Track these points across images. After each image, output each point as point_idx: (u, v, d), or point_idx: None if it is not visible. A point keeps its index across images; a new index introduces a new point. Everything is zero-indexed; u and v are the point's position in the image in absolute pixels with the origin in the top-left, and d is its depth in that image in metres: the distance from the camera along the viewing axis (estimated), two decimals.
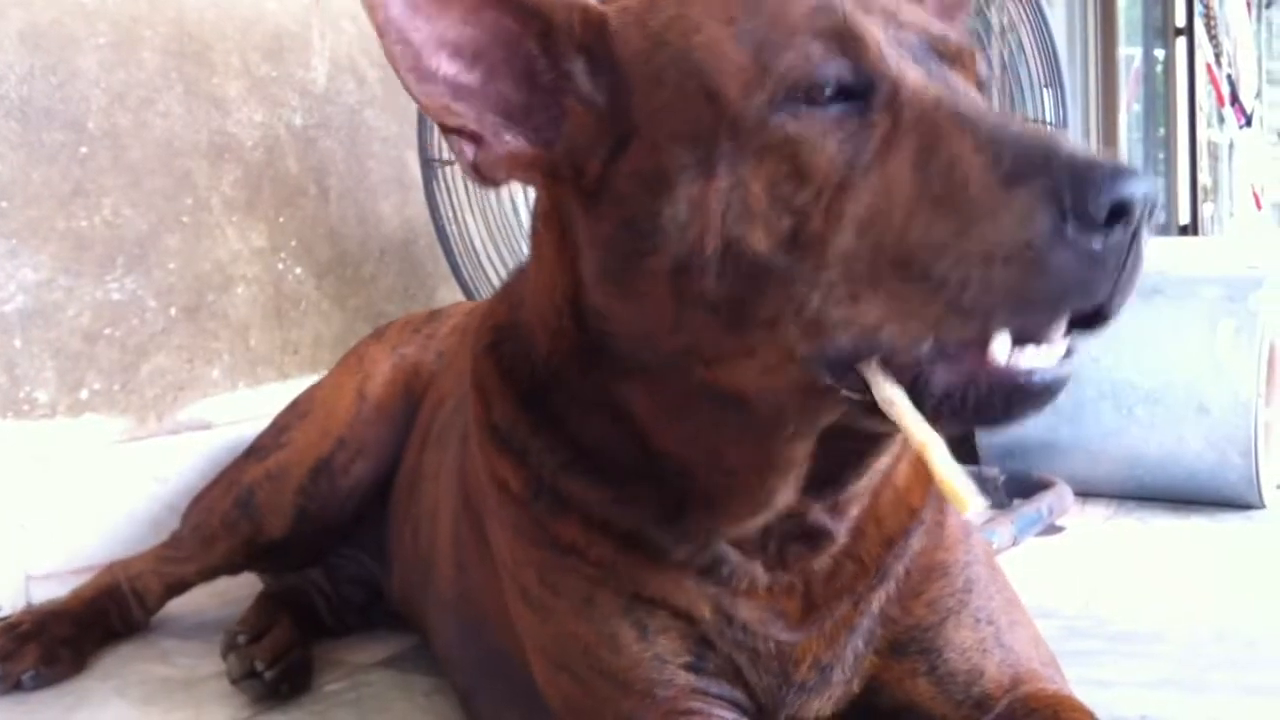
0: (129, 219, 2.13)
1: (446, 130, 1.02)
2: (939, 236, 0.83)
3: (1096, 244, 0.81)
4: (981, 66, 0.99)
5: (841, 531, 1.09)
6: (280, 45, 2.39)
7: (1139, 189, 0.81)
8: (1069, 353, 0.87)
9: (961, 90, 0.91)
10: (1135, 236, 0.82)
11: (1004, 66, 2.20)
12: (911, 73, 0.91)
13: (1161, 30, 8.06)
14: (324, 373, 1.87)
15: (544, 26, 1.00)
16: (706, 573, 1.07)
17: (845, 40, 0.90)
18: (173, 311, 2.20)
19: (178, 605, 1.85)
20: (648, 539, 1.07)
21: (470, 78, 1.01)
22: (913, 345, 0.85)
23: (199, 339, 2.25)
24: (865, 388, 0.88)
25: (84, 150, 2.06)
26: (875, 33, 0.91)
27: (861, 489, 1.08)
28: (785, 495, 1.03)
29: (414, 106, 1.79)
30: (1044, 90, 2.19)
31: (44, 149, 2.00)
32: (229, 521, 1.72)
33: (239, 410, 2.30)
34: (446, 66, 1.00)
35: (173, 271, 2.20)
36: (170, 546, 1.80)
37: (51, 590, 1.91)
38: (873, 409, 0.88)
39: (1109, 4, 6.77)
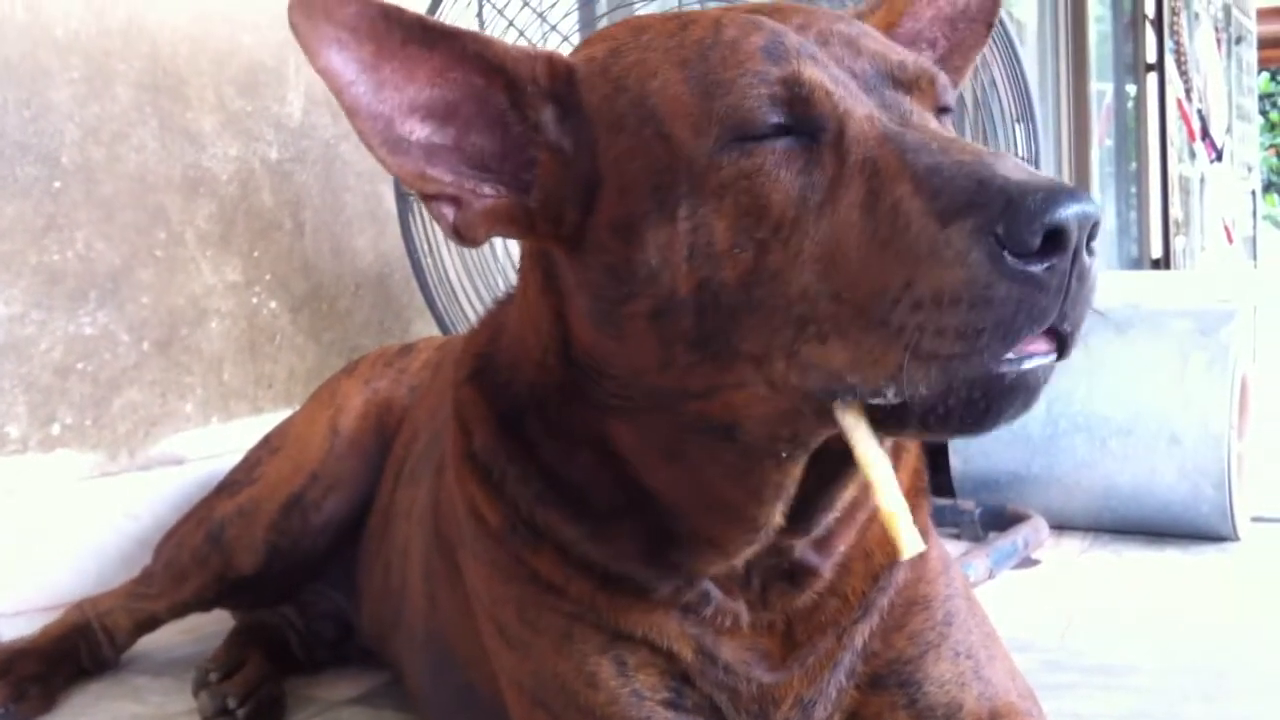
0: (102, 253, 2.12)
1: (425, 197, 1.03)
2: (890, 283, 0.84)
3: (1035, 270, 0.81)
4: (943, 90, 0.98)
5: (827, 567, 1.09)
6: (255, 79, 2.39)
7: (1072, 211, 0.80)
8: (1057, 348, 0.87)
9: (914, 119, 0.92)
10: (1076, 256, 0.82)
11: (977, 102, 2.22)
12: (859, 109, 0.91)
13: (1133, 66, 8.14)
14: (298, 407, 1.86)
15: (510, 79, 1.01)
16: (689, 611, 1.07)
17: (788, 80, 0.91)
18: (145, 346, 2.19)
19: (149, 642, 1.83)
20: (628, 577, 1.07)
21: (444, 137, 1.02)
22: (880, 391, 0.86)
23: (172, 373, 2.24)
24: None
25: (57, 184, 2.05)
26: (818, 71, 0.92)
27: (841, 520, 1.08)
28: (771, 526, 1.02)
29: None
30: (1016, 125, 2.20)
31: (17, 183, 2.00)
32: (200, 557, 1.71)
33: (212, 445, 2.28)
34: (419, 131, 1.01)
35: (146, 306, 2.19)
36: (141, 583, 1.78)
37: (21, 628, 1.89)
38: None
39: (1080, 40, 6.84)
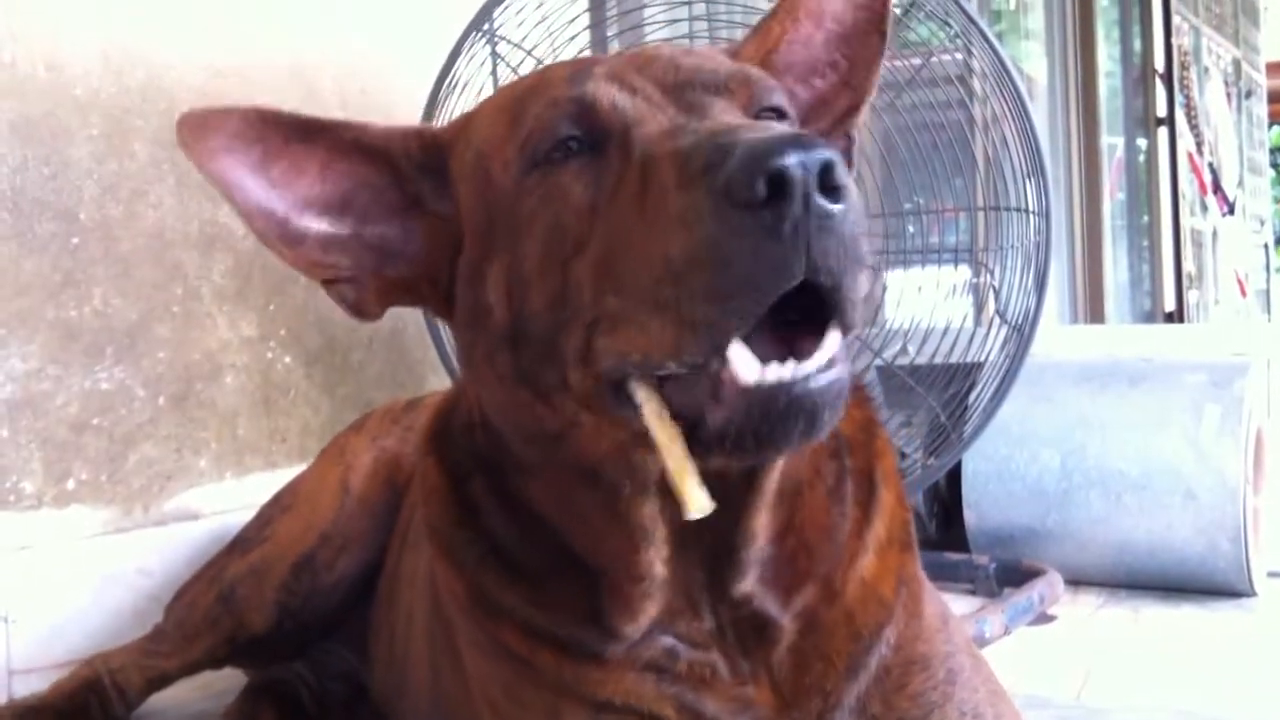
0: (119, 309, 2.13)
1: (325, 284, 1.08)
2: (656, 261, 0.85)
3: (766, 221, 0.81)
4: (763, 90, 0.99)
5: (787, 620, 1.06)
6: None
7: (791, 156, 0.80)
8: (832, 363, 0.86)
9: (711, 113, 0.93)
10: (810, 202, 0.81)
11: (988, 158, 2.23)
12: (649, 113, 0.93)
13: (1143, 120, 8.17)
14: (312, 462, 1.87)
15: (389, 158, 1.07)
16: (660, 669, 1.05)
17: (578, 98, 0.95)
18: (161, 401, 2.20)
19: (161, 698, 1.82)
20: (580, 642, 1.05)
21: (341, 227, 1.07)
22: (663, 365, 0.86)
23: (187, 428, 2.25)
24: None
25: (75, 241, 2.07)
26: (610, 87, 0.95)
27: (787, 569, 1.06)
28: (657, 576, 1.01)
29: None
30: (1027, 180, 2.22)
31: (35, 239, 2.01)
32: (211, 617, 1.70)
33: (226, 500, 2.29)
34: (315, 225, 1.06)
35: (162, 361, 2.20)
36: (152, 640, 1.77)
37: (33, 684, 1.89)
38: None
39: (1090, 95, 6.87)
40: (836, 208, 0.82)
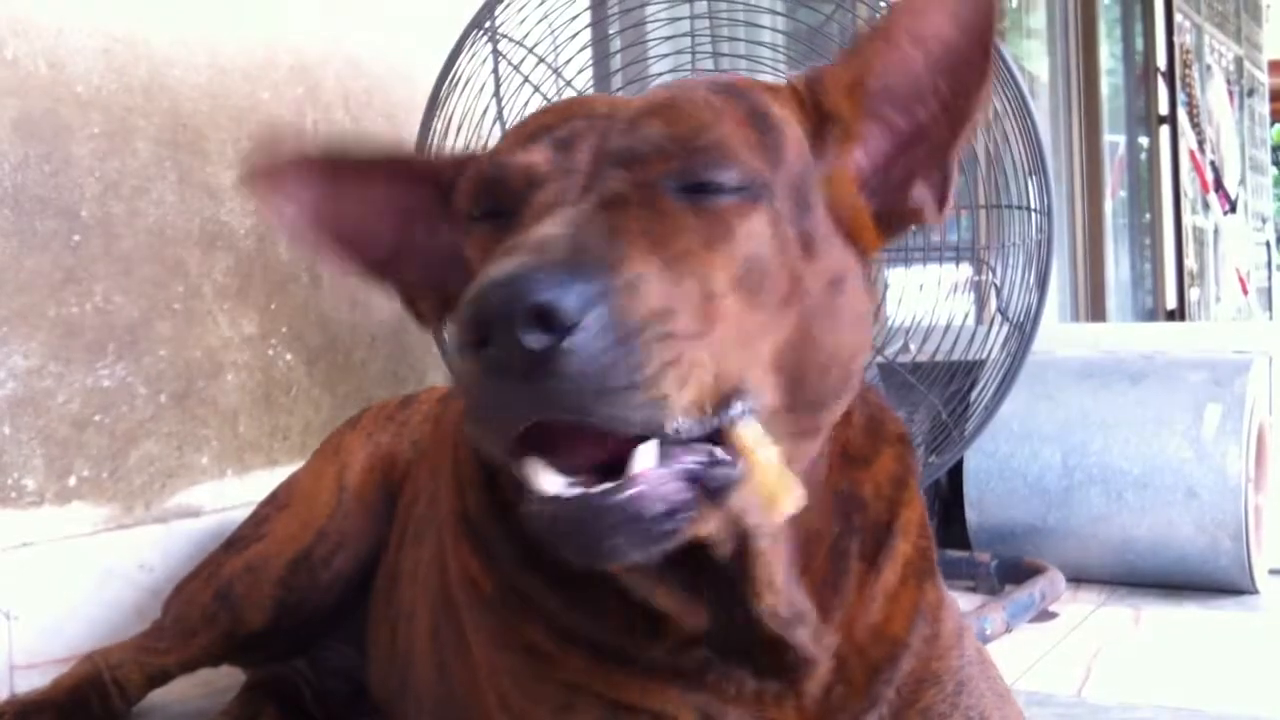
0: (120, 306, 2.13)
1: (407, 303, 1.15)
2: None
3: (483, 361, 0.81)
4: (694, 165, 0.94)
5: (819, 651, 1.05)
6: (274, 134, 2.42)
7: (494, 300, 0.79)
8: (630, 482, 0.83)
9: (605, 192, 0.91)
10: (515, 349, 0.79)
11: (990, 155, 2.23)
12: (545, 200, 0.93)
13: (1145, 118, 8.16)
14: (308, 459, 1.87)
15: (437, 183, 1.11)
16: (689, 678, 1.04)
17: (498, 163, 0.97)
18: (162, 398, 2.20)
19: (162, 694, 1.82)
20: (618, 647, 1.05)
21: (414, 244, 1.12)
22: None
23: (188, 426, 2.25)
24: None
25: (76, 238, 2.07)
26: (530, 155, 0.96)
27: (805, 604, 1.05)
28: (680, 600, 1.01)
29: None
30: (1029, 178, 2.21)
31: (36, 236, 2.01)
32: (208, 615, 1.70)
33: (227, 498, 2.29)
34: (382, 245, 1.12)
35: (163, 358, 2.20)
36: (151, 637, 1.77)
37: (34, 680, 1.89)
38: None
39: (1092, 92, 6.87)
40: (552, 345, 0.79)
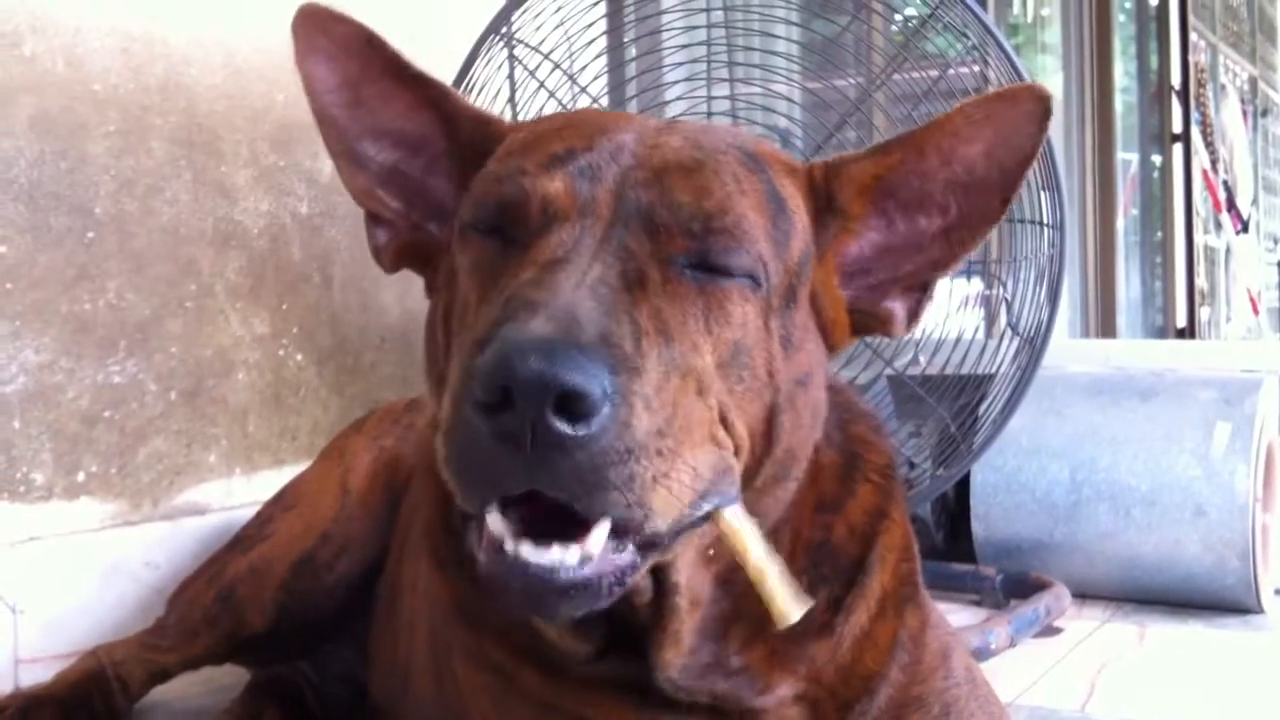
0: (132, 303, 2.14)
1: (367, 217, 1.11)
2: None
3: (495, 425, 0.81)
4: (709, 248, 0.94)
5: (768, 701, 1.06)
6: (289, 135, 2.42)
7: (529, 372, 0.78)
8: (586, 560, 0.85)
9: (618, 255, 0.91)
10: (538, 423, 0.79)
11: None
12: (558, 243, 0.92)
13: (1158, 136, 8.15)
14: (313, 461, 1.87)
15: (456, 129, 1.10)
16: (644, 695, 1.05)
17: (518, 191, 0.95)
18: (172, 396, 2.21)
19: (164, 692, 1.82)
20: (561, 659, 1.05)
21: (410, 167, 1.11)
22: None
23: (197, 424, 2.25)
24: None
25: (90, 235, 2.08)
26: (543, 186, 0.95)
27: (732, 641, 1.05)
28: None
29: None
30: (1042, 193, 2.21)
31: (51, 233, 2.02)
32: (211, 616, 1.70)
33: (234, 496, 2.29)
34: (384, 155, 1.09)
35: (174, 356, 2.21)
36: (154, 634, 1.78)
37: (39, 674, 1.89)
38: None
39: (1106, 110, 6.86)
40: (573, 433, 0.80)
